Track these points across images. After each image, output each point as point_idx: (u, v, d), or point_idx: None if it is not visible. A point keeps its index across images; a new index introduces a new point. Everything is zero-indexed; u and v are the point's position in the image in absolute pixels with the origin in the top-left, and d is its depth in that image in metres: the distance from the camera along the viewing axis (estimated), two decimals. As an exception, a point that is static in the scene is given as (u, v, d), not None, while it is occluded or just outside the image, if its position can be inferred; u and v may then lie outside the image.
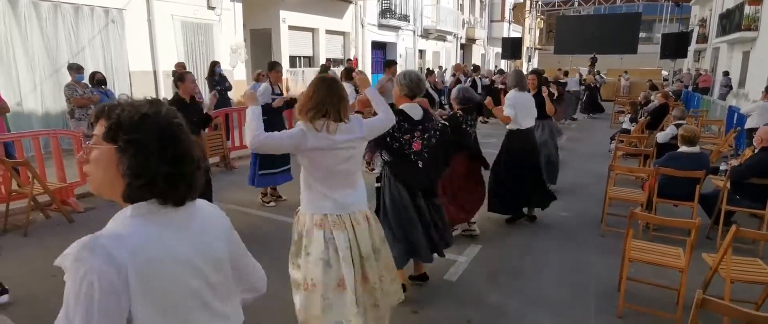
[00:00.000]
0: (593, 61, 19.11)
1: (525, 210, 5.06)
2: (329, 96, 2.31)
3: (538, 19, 35.96)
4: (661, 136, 6.12)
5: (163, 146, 1.03)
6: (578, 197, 6.04)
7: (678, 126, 5.78)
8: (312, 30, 15.03)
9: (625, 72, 20.60)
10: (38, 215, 5.01)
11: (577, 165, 8.04)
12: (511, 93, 4.83)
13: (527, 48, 33.18)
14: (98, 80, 6.89)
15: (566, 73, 14.51)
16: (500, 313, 3.26)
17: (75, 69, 6.57)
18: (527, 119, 4.86)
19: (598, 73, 18.76)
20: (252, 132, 2.27)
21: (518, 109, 4.75)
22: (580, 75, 14.60)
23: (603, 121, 14.21)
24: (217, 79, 8.74)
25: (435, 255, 3.43)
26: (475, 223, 4.62)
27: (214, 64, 8.96)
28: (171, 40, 9.89)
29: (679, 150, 4.62)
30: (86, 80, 6.77)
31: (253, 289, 1.36)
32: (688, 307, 3.09)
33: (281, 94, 5.56)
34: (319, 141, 2.27)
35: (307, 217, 2.41)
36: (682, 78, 19.75)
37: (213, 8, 10.67)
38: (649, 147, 6.60)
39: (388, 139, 3.11)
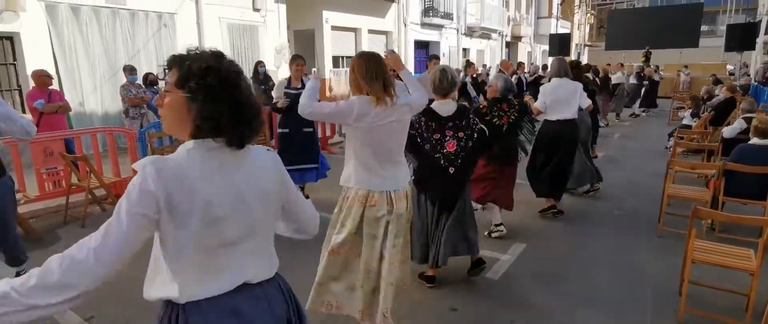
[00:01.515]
0: (647, 56, 17.95)
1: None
2: (379, 68, 2.35)
3: (588, 15, 34.59)
4: (728, 131, 5.64)
5: (226, 93, 1.18)
6: (633, 196, 5.68)
7: (747, 120, 5.31)
8: (354, 30, 15.12)
9: (685, 66, 19.34)
10: (95, 208, 5.27)
11: (632, 163, 7.59)
12: (549, 83, 4.72)
13: (576, 44, 31.98)
14: (151, 81, 7.21)
15: (622, 65, 13.77)
16: (546, 314, 3.07)
17: (129, 70, 6.89)
18: (561, 112, 4.63)
19: (657, 68, 17.69)
20: (306, 99, 2.47)
21: (550, 99, 4.61)
22: (640, 73, 13.75)
23: (660, 118, 13.41)
24: (261, 78, 8.93)
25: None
26: (501, 224, 4.36)
27: (258, 64, 9.18)
28: (218, 41, 10.22)
29: (750, 143, 4.22)
30: (139, 81, 7.09)
31: (301, 231, 1.52)
32: (759, 314, 2.81)
33: (300, 90, 4.84)
34: (367, 115, 2.32)
35: (352, 192, 2.48)
36: (750, 72, 18.30)
37: (258, 10, 10.94)
38: (713, 142, 6.11)
39: (418, 140, 3.01)
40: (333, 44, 14.04)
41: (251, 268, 1.29)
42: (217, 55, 1.22)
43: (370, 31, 15.68)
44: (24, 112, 7.43)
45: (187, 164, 1.17)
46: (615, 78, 12.30)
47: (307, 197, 5.40)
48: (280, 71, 11.74)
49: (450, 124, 3.04)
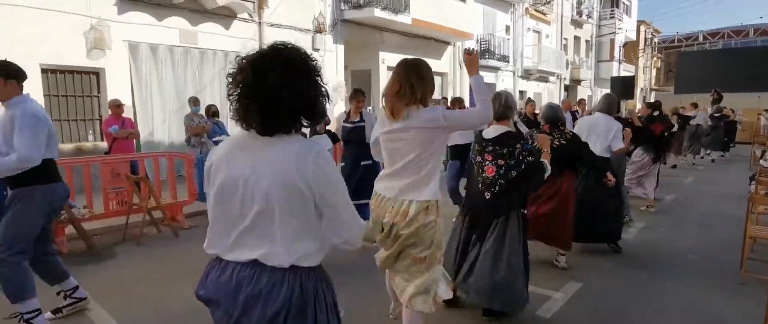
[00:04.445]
0: (716, 98, 16.59)
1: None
2: (404, 77, 2.29)
3: (655, 58, 33.28)
4: (820, 171, 5.03)
5: (241, 85, 1.34)
6: (708, 240, 5.12)
7: (843, 159, 4.71)
8: (410, 71, 15.38)
9: (766, 110, 17.88)
10: (152, 229, 5.49)
11: (706, 206, 6.93)
12: (585, 117, 4.50)
13: (641, 88, 30.68)
14: (213, 112, 7.61)
15: (695, 105, 12.96)
16: (605, 358, 2.74)
17: (192, 101, 7.35)
18: (594, 146, 4.36)
19: (733, 111, 16.41)
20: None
21: (585, 133, 4.38)
22: (716, 114, 12.92)
23: (738, 162, 12.34)
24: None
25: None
26: (564, 255, 4.14)
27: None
28: (279, 79, 10.73)
29: None
30: (202, 112, 7.51)
31: (337, 233, 1.47)
32: None
33: (358, 124, 5.05)
34: (380, 126, 2.39)
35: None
36: None
37: (317, 50, 11.45)
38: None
39: (470, 155, 2.94)
40: (388, 84, 14.33)
41: (263, 249, 1.38)
42: (262, 53, 1.36)
43: (425, 72, 15.90)
44: (102, 139, 8.08)
45: (223, 145, 1.45)
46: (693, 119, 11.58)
47: None
48: (335, 108, 12.07)
49: (489, 149, 2.91)
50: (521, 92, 21.42)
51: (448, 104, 7.66)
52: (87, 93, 8.15)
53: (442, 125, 2.25)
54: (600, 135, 4.47)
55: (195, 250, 4.76)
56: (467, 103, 17.16)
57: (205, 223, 1.49)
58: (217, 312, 1.44)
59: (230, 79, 1.37)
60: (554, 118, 3.96)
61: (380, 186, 2.45)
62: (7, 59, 2.92)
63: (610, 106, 4.51)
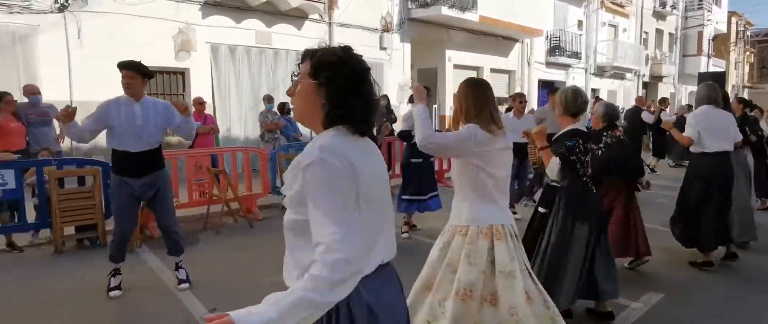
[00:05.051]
0: None
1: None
2: (488, 96, 2.32)
3: (747, 52, 30.27)
4: None
5: (355, 84, 1.26)
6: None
7: None
8: (476, 68, 15.15)
9: None
10: (228, 219, 5.87)
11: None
12: (698, 109, 4.09)
13: (733, 86, 28.03)
14: (286, 109, 7.97)
15: None
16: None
17: (266, 99, 7.74)
18: (718, 141, 4.01)
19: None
20: (423, 130, 2.28)
21: (703, 128, 4.00)
22: None
23: None
24: (383, 111, 9.34)
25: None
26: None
27: (382, 98, 9.67)
28: (346, 78, 11.01)
29: None
30: (275, 109, 7.89)
31: None
32: None
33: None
34: (485, 142, 2.24)
35: (471, 230, 2.29)
36: None
37: (384, 49, 11.59)
38: None
39: (578, 165, 2.80)
40: (455, 82, 14.21)
41: (385, 248, 1.35)
42: (346, 49, 1.29)
43: (492, 70, 15.58)
44: (185, 134, 8.74)
45: (341, 145, 1.22)
46: None
47: (414, 227, 5.48)
48: (402, 106, 12.17)
49: (592, 146, 2.96)
50: (594, 90, 20.35)
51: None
52: (174, 92, 8.83)
53: None
54: (719, 130, 4.06)
55: (269, 242, 5.04)
56: (535, 101, 16.64)
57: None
58: None
59: (324, 80, 1.24)
60: (615, 116, 3.82)
61: (494, 216, 2.30)
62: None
63: (718, 96, 4.09)
